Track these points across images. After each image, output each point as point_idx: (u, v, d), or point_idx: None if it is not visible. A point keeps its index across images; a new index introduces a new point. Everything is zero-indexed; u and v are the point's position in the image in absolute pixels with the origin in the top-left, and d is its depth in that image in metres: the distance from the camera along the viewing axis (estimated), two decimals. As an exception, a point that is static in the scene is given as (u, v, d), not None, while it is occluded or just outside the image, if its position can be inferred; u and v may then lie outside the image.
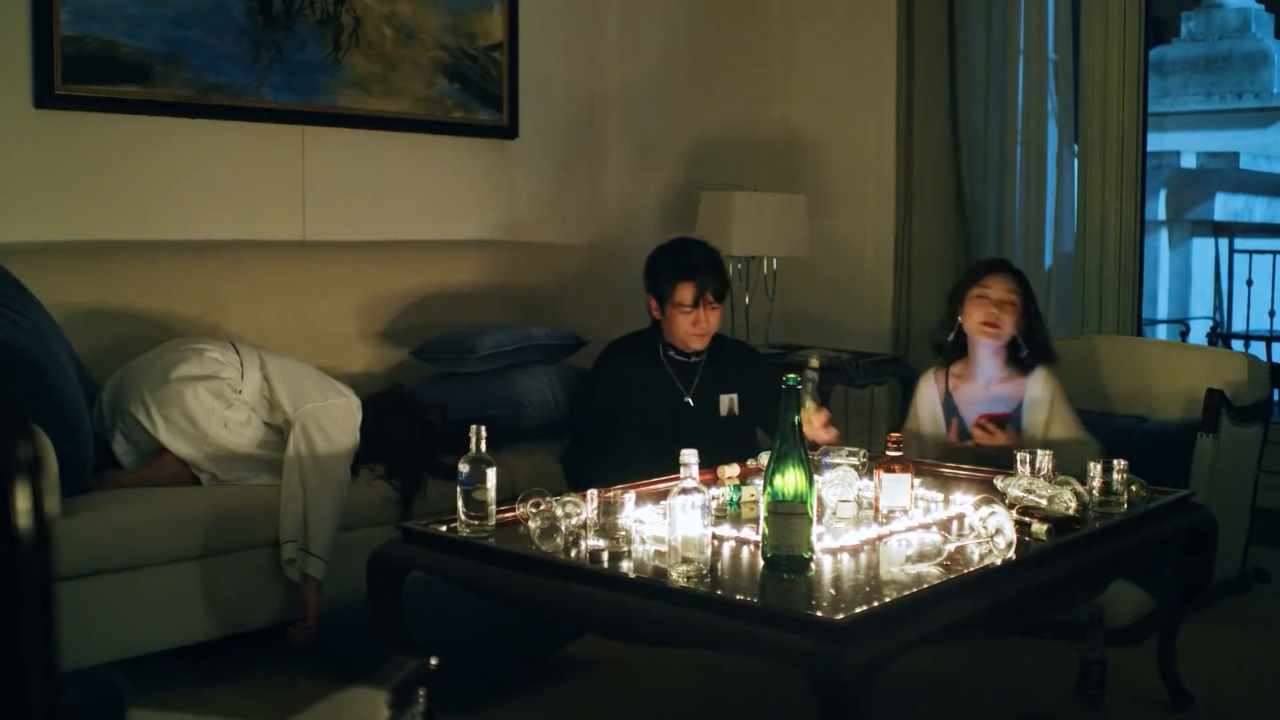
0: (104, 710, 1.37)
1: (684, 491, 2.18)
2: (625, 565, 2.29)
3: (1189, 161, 9.68)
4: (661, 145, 5.11)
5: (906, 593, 2.11)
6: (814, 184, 5.29)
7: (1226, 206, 9.36)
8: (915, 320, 5.07)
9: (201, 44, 3.78)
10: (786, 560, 2.21)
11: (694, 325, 3.52)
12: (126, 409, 3.14)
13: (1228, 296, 8.21)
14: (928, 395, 3.56)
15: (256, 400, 3.22)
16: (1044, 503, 2.57)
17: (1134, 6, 4.55)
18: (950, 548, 2.31)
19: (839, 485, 2.63)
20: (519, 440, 3.70)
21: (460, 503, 2.46)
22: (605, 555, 2.29)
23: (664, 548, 2.25)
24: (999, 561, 2.29)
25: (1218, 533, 2.89)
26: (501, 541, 2.43)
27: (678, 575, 2.17)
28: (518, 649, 3.03)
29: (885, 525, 2.53)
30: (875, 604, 2.03)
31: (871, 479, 2.68)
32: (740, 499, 2.71)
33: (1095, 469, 2.69)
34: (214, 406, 3.15)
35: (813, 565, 2.24)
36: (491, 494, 2.45)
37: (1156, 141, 7.15)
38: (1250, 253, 7.99)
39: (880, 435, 4.50)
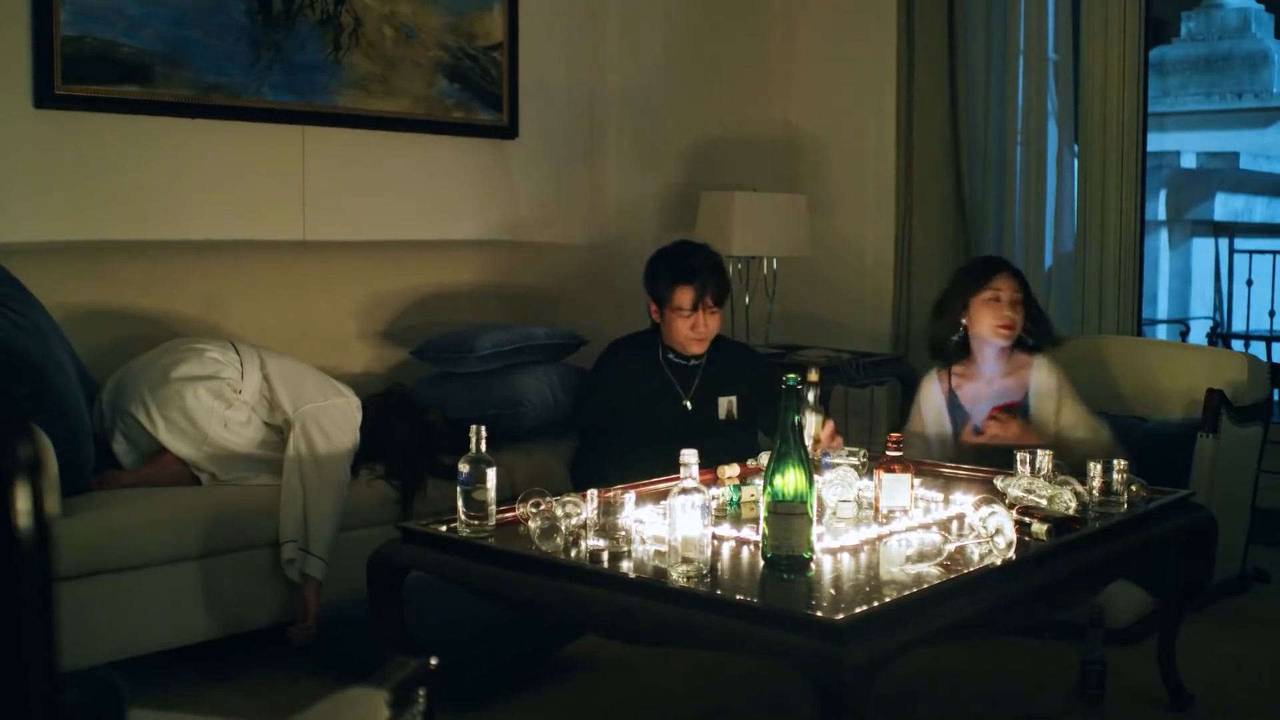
0: (104, 710, 1.37)
1: (684, 491, 2.18)
2: (625, 565, 2.29)
3: (1189, 161, 9.68)
4: (661, 145, 5.11)
5: (906, 593, 2.11)
6: (814, 184, 5.29)
7: (1226, 206, 9.36)
8: (915, 320, 5.07)
9: (201, 44, 3.78)
10: (786, 560, 2.21)
11: (693, 330, 3.51)
12: (126, 409, 3.14)
13: (1228, 296, 8.21)
14: (932, 396, 3.56)
15: (256, 400, 3.22)
16: (1044, 503, 2.57)
17: (1134, 6, 4.56)
18: (950, 548, 2.31)
19: (839, 485, 2.63)
20: (519, 440, 3.70)
21: (460, 503, 2.46)
22: (605, 555, 2.29)
23: (664, 548, 2.25)
24: (999, 561, 2.29)
25: (1218, 533, 2.89)
26: (501, 541, 2.43)
27: (678, 575, 2.17)
28: (518, 649, 3.03)
29: (885, 525, 2.53)
30: (875, 604, 2.03)
31: (871, 479, 2.68)
32: (740, 499, 2.71)
33: (1095, 469, 2.69)
34: (214, 406, 3.15)
35: (813, 565, 2.24)
36: (491, 494, 2.45)
37: (1156, 141, 7.15)
38: (1250, 253, 7.99)
39: (880, 435, 4.50)
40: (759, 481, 2.48)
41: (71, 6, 3.52)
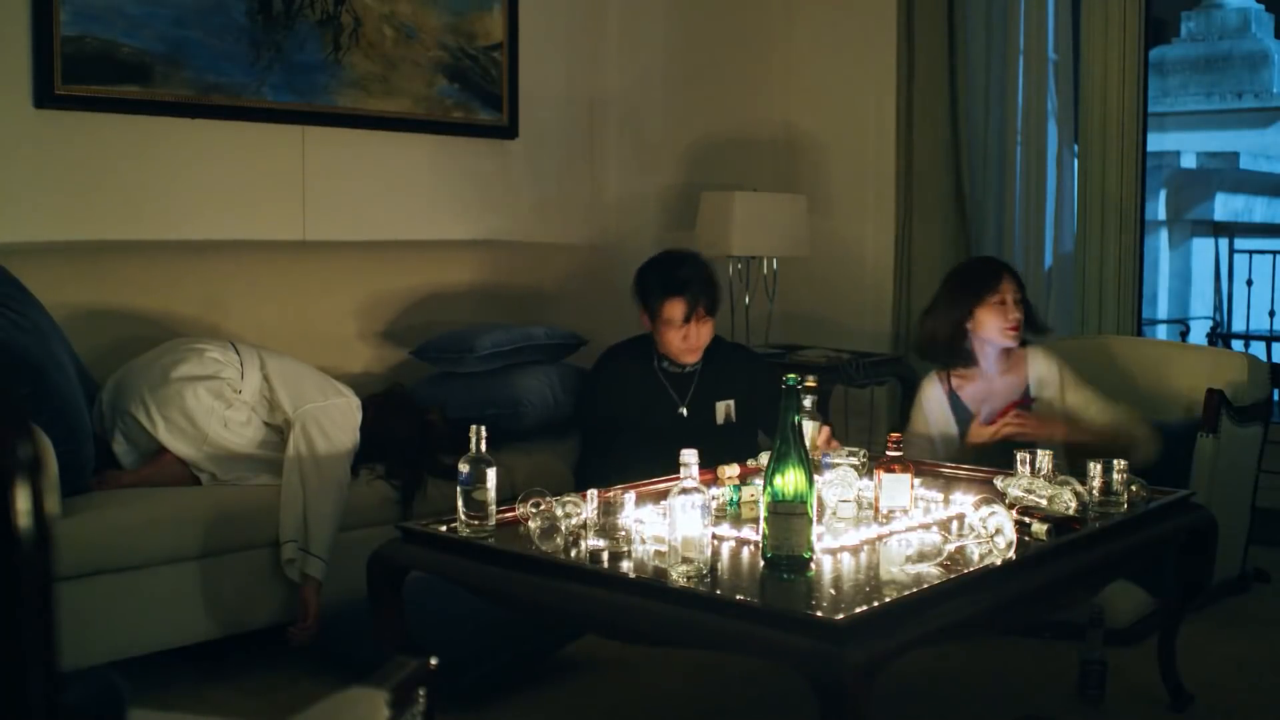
0: (104, 710, 1.37)
1: (684, 491, 2.18)
2: (625, 565, 2.29)
3: (1189, 161, 9.68)
4: (661, 145, 5.11)
5: (906, 593, 2.11)
6: (814, 184, 5.29)
7: (1226, 206, 9.36)
8: (915, 320, 5.06)
9: (201, 44, 3.78)
10: (786, 560, 2.21)
11: (685, 341, 3.51)
12: (126, 409, 3.14)
13: (1228, 296, 8.21)
14: (934, 398, 3.56)
15: (256, 400, 3.22)
16: (1044, 503, 2.57)
17: (1134, 6, 4.56)
18: (950, 548, 2.31)
19: (839, 485, 2.63)
20: (519, 440, 3.70)
21: (460, 503, 2.46)
22: (605, 555, 2.29)
23: (664, 548, 2.25)
24: (999, 561, 2.29)
25: (1218, 533, 2.89)
26: (501, 541, 2.43)
27: (678, 575, 2.17)
28: (518, 649, 3.03)
29: (885, 525, 2.53)
30: (875, 604, 2.03)
31: (871, 479, 2.68)
32: (740, 499, 2.71)
33: (1095, 469, 2.69)
34: (214, 406, 3.15)
35: (813, 565, 2.24)
36: (491, 494, 2.45)
37: (1156, 141, 7.15)
38: (1250, 253, 7.99)
39: (880, 435, 4.50)
40: (759, 481, 2.48)
41: (71, 6, 3.52)
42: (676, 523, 2.18)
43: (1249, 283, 7.80)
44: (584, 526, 2.42)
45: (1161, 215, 9.05)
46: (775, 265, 4.95)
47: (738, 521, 2.59)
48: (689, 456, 2.23)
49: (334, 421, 3.20)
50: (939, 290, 3.63)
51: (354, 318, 3.96)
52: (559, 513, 2.42)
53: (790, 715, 2.88)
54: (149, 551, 2.91)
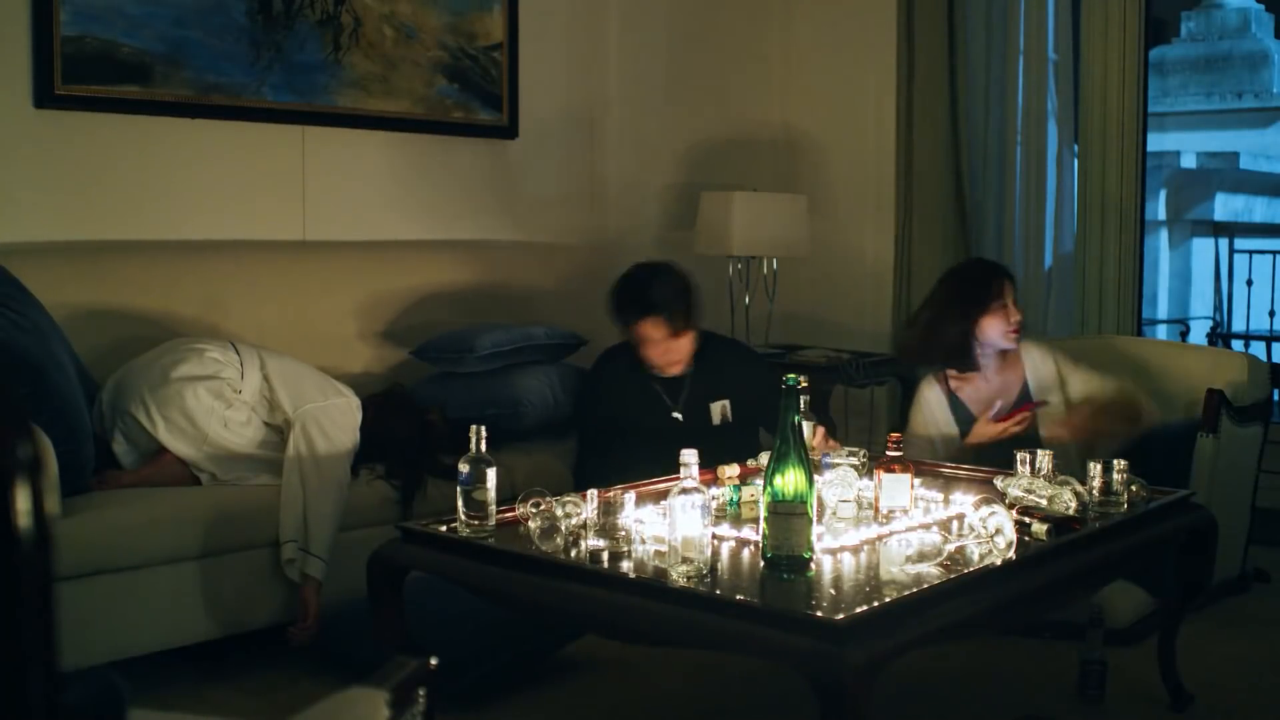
0: (104, 710, 1.37)
1: (684, 491, 2.18)
2: (625, 565, 2.29)
3: (1189, 161, 9.67)
4: (661, 145, 5.11)
5: (906, 593, 2.11)
6: (814, 184, 5.29)
7: (1226, 206, 9.36)
8: (908, 323, 5.07)
9: (201, 44, 3.78)
10: (786, 560, 2.21)
11: (664, 356, 3.49)
12: (126, 409, 3.14)
13: (1228, 296, 8.21)
14: (933, 400, 3.56)
15: (256, 400, 3.22)
16: (1044, 503, 2.57)
17: (1134, 6, 4.56)
18: (950, 548, 2.31)
19: (839, 485, 2.63)
20: (519, 440, 3.70)
21: (460, 503, 2.46)
22: (605, 555, 2.29)
23: (664, 548, 2.25)
24: (999, 561, 2.29)
25: (1218, 533, 2.89)
26: (501, 541, 2.43)
27: (678, 575, 2.17)
28: (518, 649, 3.03)
29: (885, 525, 2.53)
30: (875, 604, 2.03)
31: (871, 479, 2.68)
32: (740, 499, 2.71)
33: (1095, 469, 2.69)
34: (214, 406, 3.15)
35: (813, 565, 2.24)
36: (491, 494, 2.45)
37: (1156, 141, 7.15)
38: (1250, 253, 7.99)
39: (880, 435, 4.50)
40: (759, 481, 2.48)
41: (71, 6, 3.52)
42: (676, 523, 2.18)
43: (1249, 283, 7.80)
44: (584, 526, 2.42)
45: (1161, 215, 9.04)
46: (775, 265, 4.95)
47: (738, 521, 2.59)
48: (689, 456, 2.23)
49: (334, 421, 3.20)
50: (937, 294, 3.60)
51: (354, 318, 3.96)
52: (559, 513, 2.41)
53: (790, 715, 2.88)
54: (149, 551, 2.91)
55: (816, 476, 2.42)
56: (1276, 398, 4.06)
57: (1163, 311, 9.11)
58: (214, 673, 3.06)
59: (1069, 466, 2.97)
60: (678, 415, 3.55)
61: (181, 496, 3.07)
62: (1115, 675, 3.01)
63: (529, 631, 3.03)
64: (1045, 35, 4.95)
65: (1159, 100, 10.45)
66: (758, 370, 3.70)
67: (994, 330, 3.45)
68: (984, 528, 2.37)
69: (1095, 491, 2.67)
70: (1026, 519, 2.48)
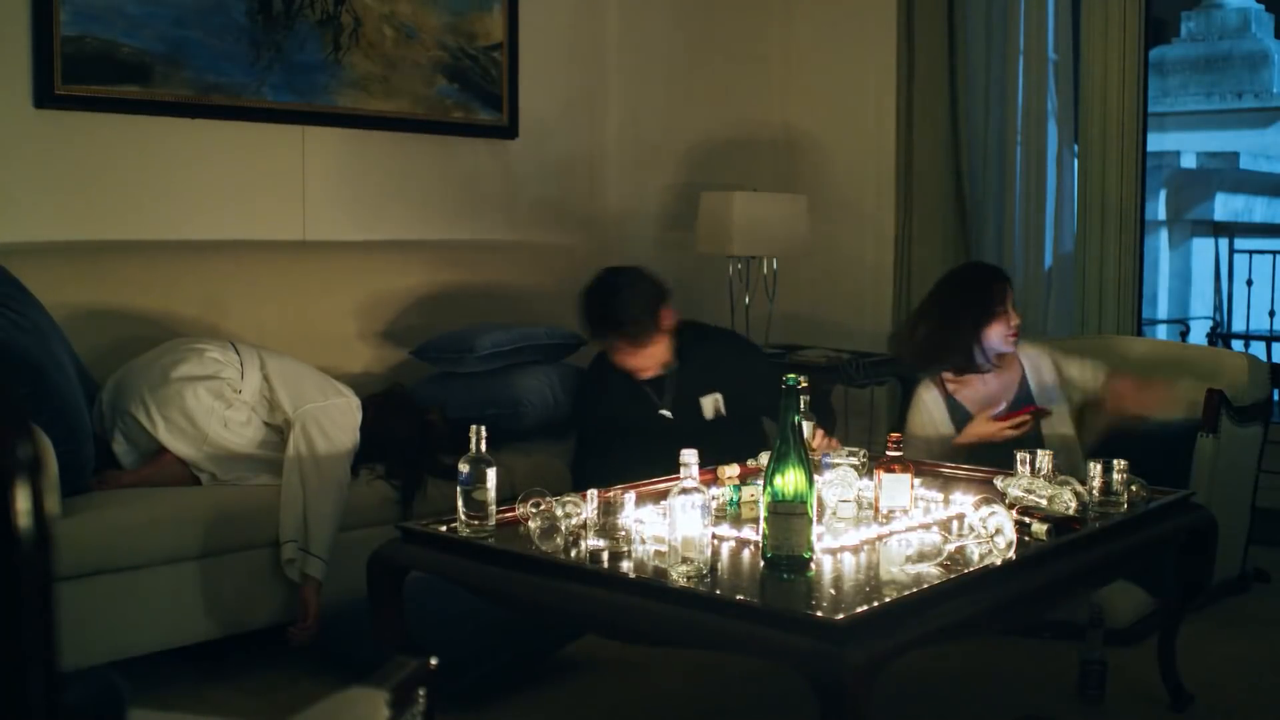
0: (104, 710, 1.37)
1: (684, 491, 2.18)
2: (625, 565, 2.29)
3: (1189, 161, 9.67)
4: (661, 145, 5.11)
5: (906, 593, 2.11)
6: (814, 184, 5.29)
7: (1226, 206, 9.36)
8: (905, 326, 5.06)
9: (201, 44, 3.78)
10: (786, 560, 2.21)
11: (634, 363, 3.47)
12: (126, 409, 3.14)
13: (1228, 296, 8.21)
14: (932, 403, 3.56)
15: (256, 400, 3.22)
16: (1044, 503, 2.57)
17: (1134, 6, 4.55)
18: (950, 548, 2.31)
19: (839, 485, 2.63)
20: (519, 440, 3.70)
21: (460, 503, 2.46)
22: (605, 555, 2.29)
23: (664, 548, 2.25)
24: (999, 561, 2.29)
25: (1218, 533, 2.89)
26: (501, 541, 2.43)
27: (678, 575, 2.17)
28: (518, 649, 3.03)
29: (885, 525, 2.53)
30: (875, 604, 2.03)
31: (871, 479, 2.68)
32: (740, 499, 2.71)
33: (1095, 469, 2.69)
34: (214, 406, 3.15)
35: (813, 565, 2.24)
36: (491, 494, 2.45)
37: (1156, 141, 7.15)
38: (1250, 253, 7.99)
39: (880, 435, 4.50)
40: (759, 481, 2.48)
41: (71, 6, 3.52)
42: (676, 523, 2.18)
43: (1249, 283, 7.80)
44: (584, 526, 2.41)
45: (1161, 215, 9.04)
46: (775, 265, 4.95)
47: (738, 521, 2.59)
48: (689, 457, 2.23)
49: (334, 421, 3.20)
50: (940, 300, 3.58)
51: (354, 318, 3.96)
52: (559, 513, 2.41)
53: (790, 715, 2.88)
54: (149, 551, 2.91)
55: (816, 476, 2.42)
56: (1276, 398, 4.06)
57: (1163, 311, 9.11)
58: (214, 673, 3.06)
59: (1074, 469, 2.97)
60: (665, 413, 3.54)
61: (181, 496, 3.07)
62: (1115, 675, 3.01)
63: (529, 631, 3.03)
64: (1045, 35, 4.94)
65: (1159, 100, 10.45)
66: (750, 360, 3.66)
67: (996, 334, 3.47)
68: (984, 528, 2.37)
69: (1095, 491, 2.67)
70: (1026, 519, 2.48)
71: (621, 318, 3.41)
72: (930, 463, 3.23)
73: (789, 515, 2.20)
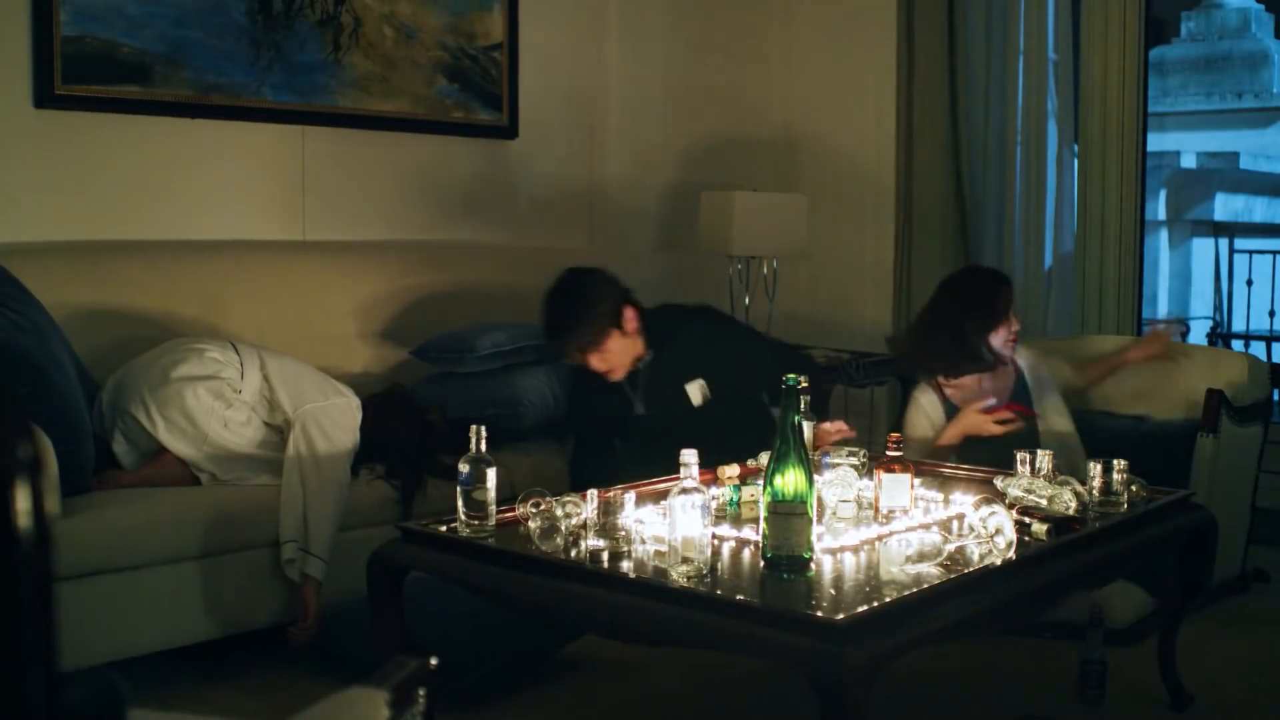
0: (104, 710, 1.37)
1: (684, 491, 2.18)
2: (625, 565, 2.29)
3: (1189, 161, 9.67)
4: (661, 145, 5.11)
5: (906, 593, 2.11)
6: (814, 184, 5.29)
7: (1226, 206, 9.36)
8: (911, 330, 5.06)
9: (201, 44, 3.78)
10: (786, 560, 2.21)
11: (599, 365, 3.44)
12: (126, 409, 3.14)
13: (1228, 296, 8.21)
14: (930, 405, 3.56)
15: (256, 400, 3.22)
16: (1044, 503, 2.57)
17: (1134, 6, 4.55)
18: (950, 548, 2.31)
19: (839, 485, 2.63)
20: (519, 440, 3.70)
21: (460, 503, 2.46)
22: (605, 555, 2.29)
23: (664, 548, 2.25)
24: (999, 561, 2.29)
25: (1218, 533, 2.89)
26: (501, 541, 2.43)
27: (678, 575, 2.17)
28: (518, 649, 3.03)
29: (885, 525, 2.53)
30: (875, 604, 2.03)
31: (871, 479, 2.68)
32: (740, 499, 2.71)
33: (1095, 469, 2.69)
34: (214, 406, 3.15)
35: (813, 565, 2.24)
36: (491, 494, 2.45)
37: (1156, 141, 7.15)
38: (1250, 253, 7.99)
39: (880, 435, 4.50)
40: (759, 481, 2.48)
41: (71, 6, 3.52)
42: (676, 523, 2.18)
43: (1249, 283, 7.80)
44: (584, 526, 2.41)
45: (1161, 215, 9.04)
46: (775, 265, 4.95)
47: (738, 521, 2.59)
48: (689, 456, 2.23)
49: (334, 421, 3.20)
50: (944, 302, 3.56)
51: (354, 318, 3.96)
52: (559, 513, 2.41)
53: (790, 715, 2.88)
54: (149, 551, 2.91)
55: (816, 476, 2.42)
56: (1276, 398, 4.06)
57: (1163, 311, 9.10)
58: (214, 673, 3.06)
59: (1073, 466, 2.98)
60: (639, 410, 3.54)
61: (181, 496, 3.07)
62: (1115, 675, 3.01)
63: (529, 631, 3.03)
64: (1045, 35, 4.94)
65: (1159, 100, 10.45)
66: (729, 339, 3.61)
67: (997, 339, 3.48)
68: (984, 528, 2.37)
69: (1095, 491, 2.67)
70: (1026, 519, 2.48)
71: (576, 318, 3.38)
72: (930, 463, 3.23)
73: (789, 515, 2.20)
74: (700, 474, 2.25)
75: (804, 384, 2.32)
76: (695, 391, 3.51)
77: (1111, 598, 3.21)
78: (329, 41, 4.07)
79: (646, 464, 2.87)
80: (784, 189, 5.18)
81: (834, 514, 2.58)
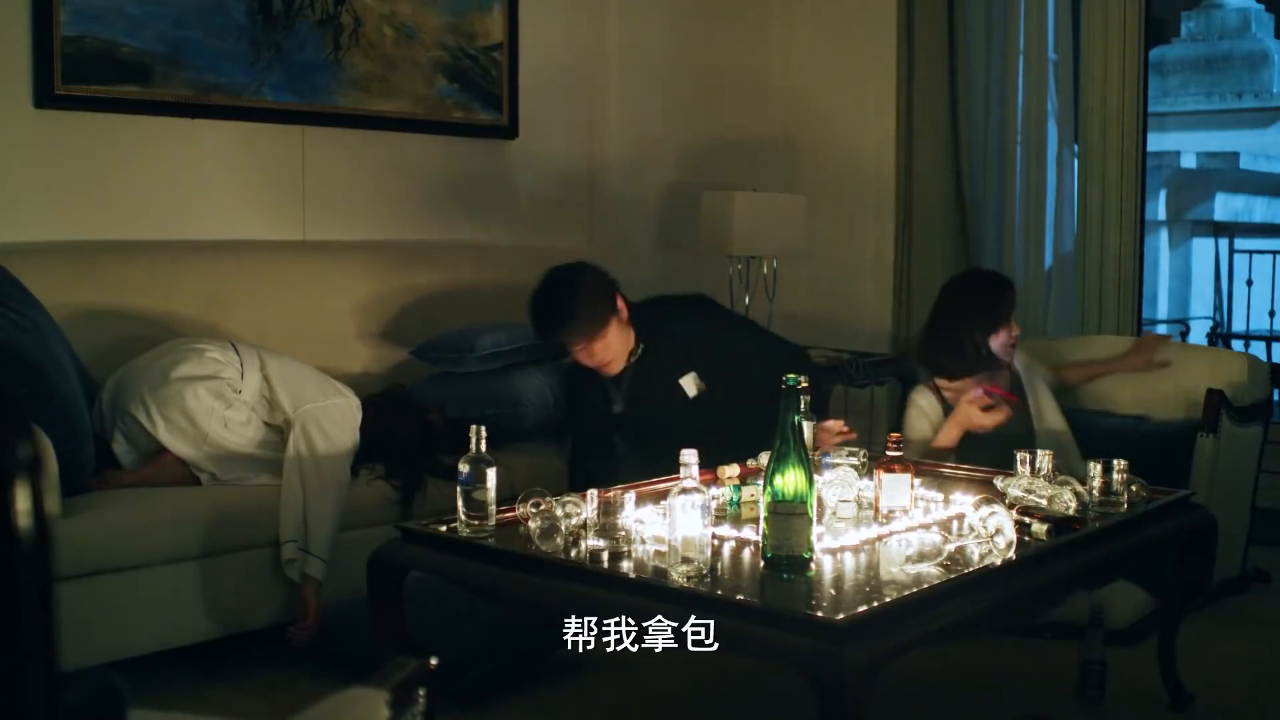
0: (104, 710, 1.37)
1: (684, 491, 2.18)
2: (625, 565, 2.29)
3: (1189, 161, 9.67)
4: (661, 145, 5.11)
5: (906, 593, 2.11)
6: (814, 184, 5.29)
7: (1226, 206, 9.36)
8: (915, 320, 5.06)
9: (201, 44, 3.78)
10: (786, 560, 2.21)
11: (593, 360, 3.42)
12: (126, 409, 3.14)
13: (1228, 296, 8.21)
14: (929, 406, 3.56)
15: (256, 400, 3.22)
16: (1044, 503, 2.57)
17: (1134, 6, 4.55)
18: (950, 548, 2.31)
19: (839, 485, 2.63)
20: (519, 440, 3.70)
21: (460, 503, 2.46)
22: (605, 555, 2.29)
23: (664, 548, 2.25)
24: (999, 561, 2.29)
25: (1218, 533, 2.89)
26: (501, 541, 2.43)
27: (678, 575, 2.17)
28: (518, 649, 3.03)
29: (885, 525, 2.53)
30: (875, 604, 2.03)
31: (871, 479, 2.68)
32: (740, 499, 2.71)
33: (1095, 469, 2.69)
34: (214, 406, 3.15)
35: (813, 565, 2.24)
36: (491, 494, 2.45)
37: (1156, 141, 7.15)
38: (1250, 253, 7.99)
39: (880, 435, 4.49)
40: (759, 481, 2.48)
41: (71, 6, 3.52)
42: (676, 523, 2.18)
43: (1249, 283, 7.81)
44: (584, 526, 2.41)
45: (1161, 215, 9.04)
46: (775, 265, 4.95)
47: (738, 521, 2.59)
48: (689, 456, 2.23)
49: (334, 421, 3.20)
50: (953, 305, 3.55)
51: (354, 318, 3.96)
52: (559, 513, 2.41)
53: (790, 715, 2.88)
54: (149, 551, 2.90)
55: (816, 476, 2.42)
56: (1276, 398, 4.06)
57: (1163, 311, 9.11)
58: (214, 673, 3.06)
59: (1068, 464, 2.98)
60: (616, 407, 3.53)
61: (181, 496, 3.07)
62: (1115, 675, 3.01)
63: (529, 631, 3.03)
64: (1045, 35, 4.94)
65: (1159, 100, 10.45)
66: (716, 330, 3.59)
67: (1001, 341, 3.48)
68: (984, 528, 2.37)
69: (1095, 491, 2.67)
70: (1026, 519, 2.48)
71: (571, 310, 3.36)
72: (930, 463, 3.23)
73: (789, 515, 2.20)
74: (700, 474, 2.25)
75: (804, 384, 2.32)
76: (690, 384, 3.51)
77: (1111, 598, 3.21)
78: (329, 41, 4.07)
79: (638, 462, 2.86)
80: (784, 189, 5.18)
81: (834, 514, 2.58)
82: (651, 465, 2.86)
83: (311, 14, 4.01)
